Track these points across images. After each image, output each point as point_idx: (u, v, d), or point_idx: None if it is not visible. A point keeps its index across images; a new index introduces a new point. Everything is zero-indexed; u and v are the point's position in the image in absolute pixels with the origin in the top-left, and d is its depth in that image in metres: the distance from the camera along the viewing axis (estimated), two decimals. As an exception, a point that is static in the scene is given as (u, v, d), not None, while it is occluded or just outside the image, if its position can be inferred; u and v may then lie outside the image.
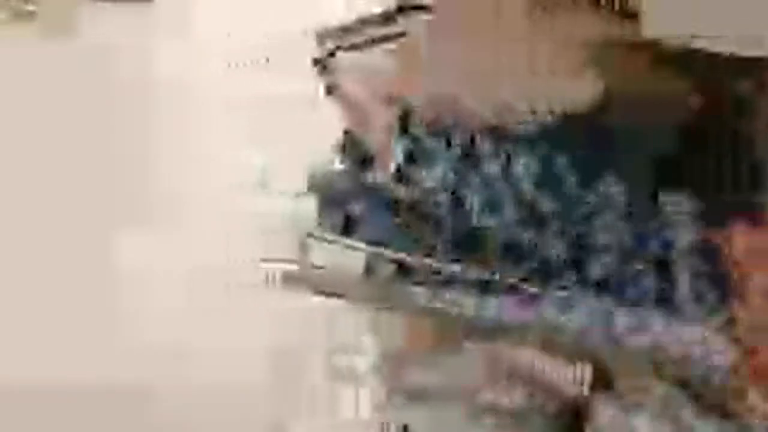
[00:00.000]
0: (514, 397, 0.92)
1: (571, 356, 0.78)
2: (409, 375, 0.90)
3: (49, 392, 1.02)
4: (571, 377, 0.94)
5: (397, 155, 0.71)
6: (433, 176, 0.67)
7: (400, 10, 0.82)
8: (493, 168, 0.67)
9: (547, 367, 0.92)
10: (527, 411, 0.94)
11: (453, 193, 0.66)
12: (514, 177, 0.66)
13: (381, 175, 0.72)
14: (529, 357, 0.90)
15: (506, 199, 0.66)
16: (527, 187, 0.66)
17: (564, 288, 0.68)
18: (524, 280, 0.68)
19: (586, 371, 0.92)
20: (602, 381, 0.93)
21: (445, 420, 0.91)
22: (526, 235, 0.66)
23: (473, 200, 0.67)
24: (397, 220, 0.71)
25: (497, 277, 0.67)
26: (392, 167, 0.69)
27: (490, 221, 0.66)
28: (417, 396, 0.91)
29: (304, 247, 0.76)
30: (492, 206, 0.67)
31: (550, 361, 0.91)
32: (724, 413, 0.84)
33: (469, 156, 0.67)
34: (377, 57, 0.82)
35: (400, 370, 0.91)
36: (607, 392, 0.94)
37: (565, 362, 0.87)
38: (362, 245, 0.73)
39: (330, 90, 0.82)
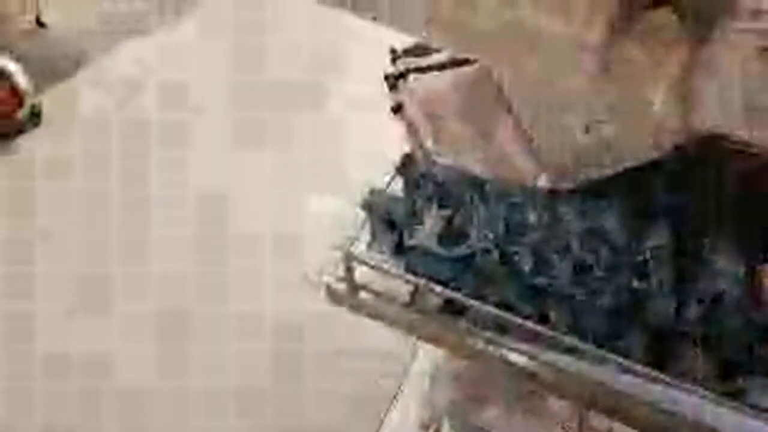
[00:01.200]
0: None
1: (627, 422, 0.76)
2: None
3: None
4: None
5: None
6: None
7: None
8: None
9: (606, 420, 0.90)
10: None
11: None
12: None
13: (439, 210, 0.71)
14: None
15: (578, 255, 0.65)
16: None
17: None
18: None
19: None
20: None
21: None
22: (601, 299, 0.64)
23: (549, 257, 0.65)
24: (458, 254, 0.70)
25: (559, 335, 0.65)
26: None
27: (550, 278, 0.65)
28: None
29: (350, 267, 0.77)
30: (545, 262, 0.65)
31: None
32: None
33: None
34: (444, 81, 0.80)
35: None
36: None
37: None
38: (410, 276, 0.72)
39: (396, 109, 0.82)
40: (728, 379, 0.64)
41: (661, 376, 0.64)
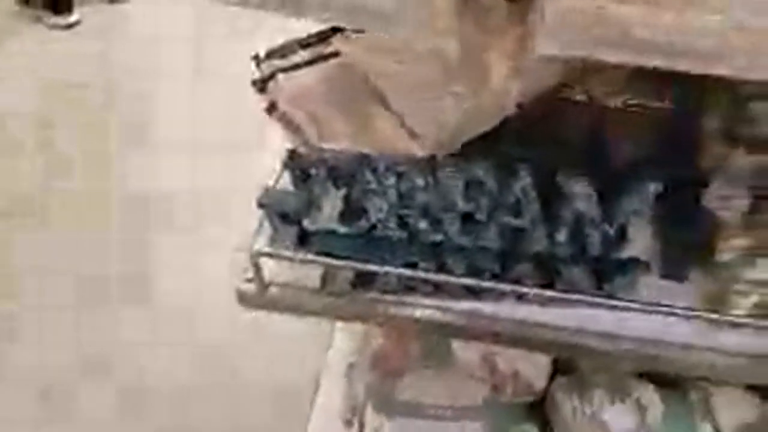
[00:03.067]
0: (482, 392, 1.00)
1: (532, 348, 0.87)
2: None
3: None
4: (535, 369, 1.03)
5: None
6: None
7: (334, 30, 0.86)
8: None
9: (510, 360, 1.01)
10: (496, 404, 1.03)
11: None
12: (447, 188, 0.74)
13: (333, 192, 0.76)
14: (492, 352, 0.98)
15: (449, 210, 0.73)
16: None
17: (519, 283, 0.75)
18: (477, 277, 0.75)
19: (548, 362, 1.02)
20: (564, 370, 1.04)
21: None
22: (472, 240, 0.73)
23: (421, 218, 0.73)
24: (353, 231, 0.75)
25: (462, 280, 0.73)
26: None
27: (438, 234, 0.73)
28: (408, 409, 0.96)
29: (257, 266, 0.79)
30: (437, 219, 0.73)
31: (513, 355, 1.00)
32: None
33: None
34: (313, 77, 0.86)
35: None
36: (569, 380, 1.04)
37: (528, 354, 0.96)
38: (318, 258, 0.76)
39: (270, 110, 0.85)
40: (600, 287, 0.77)
41: (548, 293, 0.75)
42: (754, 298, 0.76)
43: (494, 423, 1.06)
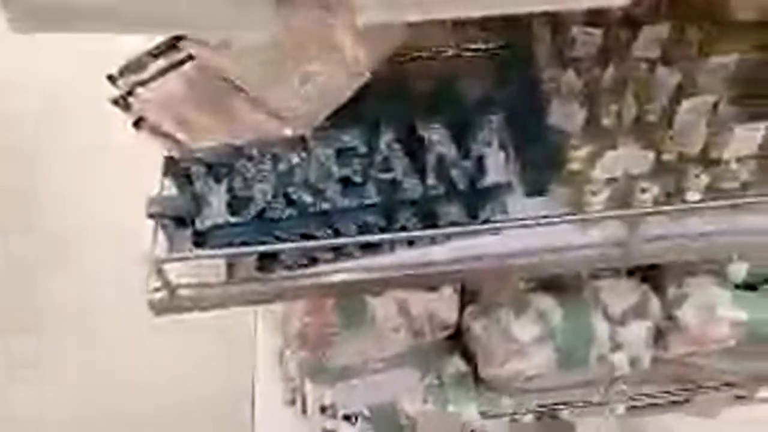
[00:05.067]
0: (405, 340, 1.08)
1: (434, 284, 0.95)
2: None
3: None
4: (445, 305, 1.12)
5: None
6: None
7: (178, 37, 0.88)
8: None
9: (422, 304, 1.09)
10: (420, 347, 1.11)
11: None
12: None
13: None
14: (404, 300, 1.06)
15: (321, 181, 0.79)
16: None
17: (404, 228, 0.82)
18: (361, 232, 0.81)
19: (455, 295, 1.11)
20: (471, 299, 1.13)
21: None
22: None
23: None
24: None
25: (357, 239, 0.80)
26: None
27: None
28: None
29: (161, 273, 0.81)
30: (319, 190, 0.79)
31: (423, 298, 1.08)
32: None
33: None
34: (173, 83, 0.88)
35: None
36: (476, 307, 1.14)
37: (434, 292, 1.04)
38: (216, 251, 0.80)
39: (138, 124, 0.87)
40: (475, 216, 0.86)
41: (431, 232, 0.83)
42: (605, 194, 0.88)
43: (423, 363, 1.15)
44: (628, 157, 0.84)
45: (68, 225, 2.13)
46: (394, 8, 0.63)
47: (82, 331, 1.89)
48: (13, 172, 2.30)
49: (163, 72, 0.87)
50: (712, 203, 0.87)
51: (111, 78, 0.88)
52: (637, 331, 1.12)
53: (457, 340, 1.17)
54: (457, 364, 1.18)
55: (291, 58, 0.84)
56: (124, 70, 0.88)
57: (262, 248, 0.80)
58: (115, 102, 0.88)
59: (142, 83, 0.87)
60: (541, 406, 1.24)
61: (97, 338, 1.85)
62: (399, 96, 0.86)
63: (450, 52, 0.93)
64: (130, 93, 0.86)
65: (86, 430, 1.71)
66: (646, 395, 1.30)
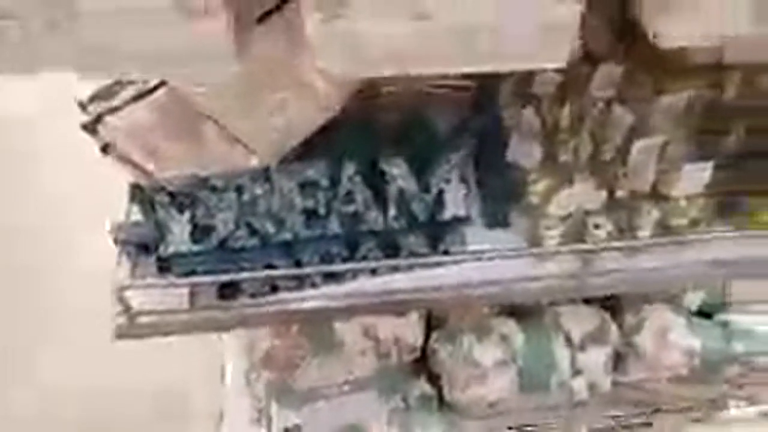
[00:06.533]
0: (371, 363, 1.10)
1: (396, 311, 0.97)
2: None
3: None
4: (410, 330, 1.14)
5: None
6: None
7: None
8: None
9: (388, 328, 1.11)
10: (387, 370, 1.13)
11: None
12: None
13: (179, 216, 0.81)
14: (371, 324, 1.08)
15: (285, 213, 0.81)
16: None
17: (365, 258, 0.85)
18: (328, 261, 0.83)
19: (420, 321, 1.13)
20: (438, 324, 1.15)
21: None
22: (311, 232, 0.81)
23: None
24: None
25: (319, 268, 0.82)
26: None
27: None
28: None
29: (123, 300, 0.82)
30: (281, 221, 0.81)
31: (389, 322, 1.10)
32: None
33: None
34: (142, 112, 0.89)
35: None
36: (441, 332, 1.16)
37: (401, 317, 1.07)
38: (177, 280, 0.81)
39: (105, 150, 0.88)
40: (435, 247, 0.88)
41: (394, 263, 0.85)
42: (560, 229, 0.91)
43: (388, 386, 1.17)
44: (582, 194, 0.87)
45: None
46: (355, 63, 0.65)
47: (83, 331, 1.85)
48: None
49: (133, 100, 0.89)
50: (662, 239, 0.91)
51: (81, 105, 0.89)
52: (596, 358, 1.15)
53: (423, 363, 1.20)
54: (422, 387, 1.20)
55: (262, 90, 0.86)
56: (95, 97, 0.90)
57: (224, 277, 0.82)
58: (84, 127, 0.89)
59: (112, 111, 0.88)
60: (510, 428, 1.26)
61: (97, 338, 1.81)
62: (364, 130, 0.88)
63: (418, 88, 0.96)
64: (98, 120, 0.87)
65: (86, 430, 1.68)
66: (610, 417, 1.33)
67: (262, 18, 0.77)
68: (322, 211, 0.83)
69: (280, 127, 0.86)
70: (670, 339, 1.16)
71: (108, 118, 0.87)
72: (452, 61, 0.57)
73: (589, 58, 0.98)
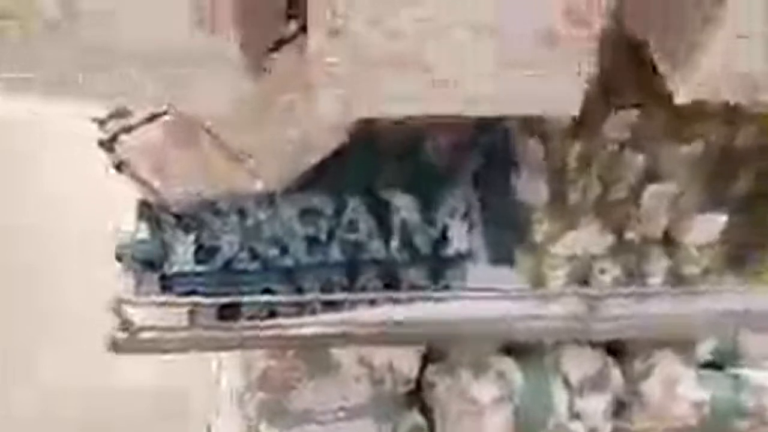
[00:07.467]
0: (366, 390, 1.09)
1: (391, 343, 0.96)
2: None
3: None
4: (407, 361, 1.13)
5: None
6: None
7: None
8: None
9: (384, 357, 1.10)
10: (380, 398, 1.12)
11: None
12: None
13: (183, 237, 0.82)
14: (367, 352, 1.07)
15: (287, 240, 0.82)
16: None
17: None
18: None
19: (417, 353, 1.12)
20: (436, 357, 1.14)
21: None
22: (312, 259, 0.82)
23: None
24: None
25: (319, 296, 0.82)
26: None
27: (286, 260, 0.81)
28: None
29: (122, 314, 0.83)
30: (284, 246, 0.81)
31: (385, 352, 1.09)
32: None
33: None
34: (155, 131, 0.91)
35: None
36: (439, 366, 1.15)
37: (400, 349, 1.06)
38: (178, 299, 0.82)
39: (119, 167, 0.90)
40: (437, 282, 0.88)
41: (394, 295, 0.85)
42: (565, 270, 0.90)
43: (382, 415, 1.15)
44: (586, 238, 0.86)
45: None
46: (350, 106, 0.65)
47: (83, 331, 1.87)
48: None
49: (148, 119, 0.91)
50: (672, 290, 0.89)
51: (100, 122, 0.92)
52: (596, 404, 1.12)
53: (417, 395, 1.18)
54: (415, 418, 1.18)
55: (272, 113, 0.87)
56: (113, 115, 0.92)
57: (224, 299, 0.82)
58: (101, 144, 0.91)
59: (127, 130, 0.90)
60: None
61: (98, 338, 1.82)
62: (369, 159, 0.89)
63: (423, 120, 0.96)
64: (114, 138, 0.89)
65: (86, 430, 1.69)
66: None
67: (276, 47, 0.78)
68: (323, 237, 0.83)
69: (288, 153, 0.87)
70: (679, 391, 1.12)
71: (123, 137, 0.89)
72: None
73: (604, 95, 0.97)
